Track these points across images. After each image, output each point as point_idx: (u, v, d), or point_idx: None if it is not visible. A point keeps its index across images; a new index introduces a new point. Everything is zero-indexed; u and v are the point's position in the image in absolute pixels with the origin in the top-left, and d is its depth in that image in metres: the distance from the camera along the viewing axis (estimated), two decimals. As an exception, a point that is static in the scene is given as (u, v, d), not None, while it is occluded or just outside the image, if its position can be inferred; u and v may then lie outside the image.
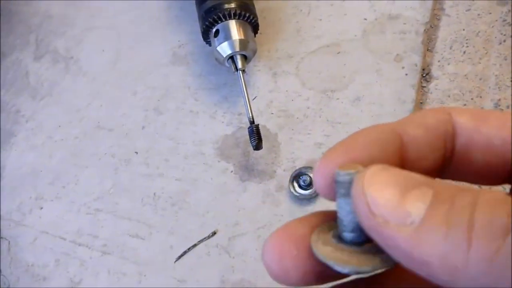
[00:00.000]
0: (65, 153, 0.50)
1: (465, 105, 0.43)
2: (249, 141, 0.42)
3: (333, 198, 0.18)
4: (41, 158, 0.51)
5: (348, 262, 0.17)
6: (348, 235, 0.18)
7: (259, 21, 0.46)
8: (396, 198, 0.16)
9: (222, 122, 0.47)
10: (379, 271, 0.17)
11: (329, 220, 0.19)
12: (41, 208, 0.49)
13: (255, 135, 0.41)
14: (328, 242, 0.18)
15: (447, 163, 0.20)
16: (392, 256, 0.16)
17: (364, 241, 0.18)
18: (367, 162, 0.17)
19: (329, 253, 0.18)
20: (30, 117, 0.53)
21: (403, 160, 0.19)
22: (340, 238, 0.18)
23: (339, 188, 0.18)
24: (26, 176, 0.50)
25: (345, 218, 0.18)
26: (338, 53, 0.47)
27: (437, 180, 0.17)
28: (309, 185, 0.41)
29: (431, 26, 0.47)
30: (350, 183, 0.17)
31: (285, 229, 0.19)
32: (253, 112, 0.42)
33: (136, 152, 0.48)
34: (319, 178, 0.18)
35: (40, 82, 0.54)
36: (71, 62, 0.54)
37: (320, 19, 0.49)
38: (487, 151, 0.18)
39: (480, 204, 0.14)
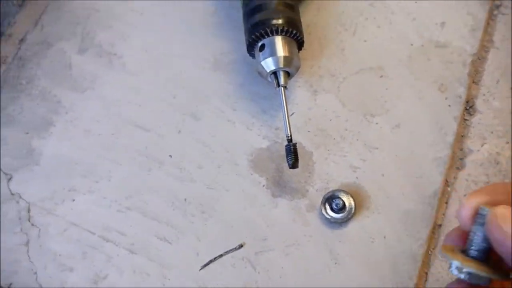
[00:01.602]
0: (101, 148, 0.51)
1: (507, 143, 0.42)
2: (285, 159, 0.42)
3: (467, 225, 0.27)
4: (77, 150, 0.52)
5: (467, 264, 0.25)
6: (473, 253, 0.26)
7: (304, 36, 0.46)
8: None
9: (258, 135, 0.47)
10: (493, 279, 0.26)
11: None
12: (73, 200, 0.50)
13: (292, 154, 0.41)
14: (456, 251, 0.27)
15: None
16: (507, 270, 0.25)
17: (483, 261, 0.26)
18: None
19: (454, 255, 0.26)
20: (70, 108, 0.54)
21: None
22: (465, 254, 0.26)
23: (479, 218, 0.26)
24: (61, 166, 0.51)
25: (476, 240, 0.26)
26: (381, 76, 0.47)
27: None
28: (341, 209, 0.41)
29: (478, 58, 0.46)
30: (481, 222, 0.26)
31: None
32: (291, 129, 0.42)
33: (170, 156, 0.48)
34: (465, 210, 0.27)
35: (83, 75, 0.55)
36: (115, 58, 0.55)
37: (365, 40, 0.48)
38: None
39: None
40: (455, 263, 0.25)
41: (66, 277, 0.46)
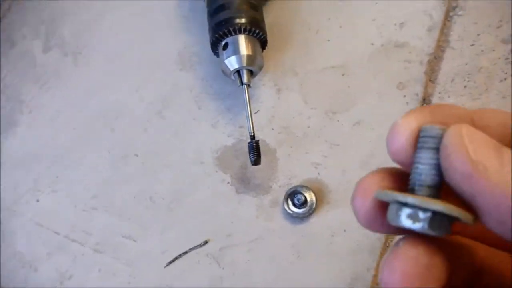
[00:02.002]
0: (65, 147, 0.51)
1: (461, 139, 0.44)
2: (248, 156, 0.43)
3: (406, 154, 0.19)
4: (41, 149, 0.51)
5: (433, 203, 0.17)
6: (423, 190, 0.18)
7: (268, 35, 0.46)
8: (493, 151, 0.17)
9: (223, 132, 0.48)
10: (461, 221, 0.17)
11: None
12: (37, 200, 0.49)
13: (255, 151, 0.42)
14: (399, 193, 0.18)
15: None
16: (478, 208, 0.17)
17: (437, 198, 0.18)
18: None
19: (411, 196, 0.17)
20: (34, 106, 0.53)
21: None
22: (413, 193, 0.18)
23: (426, 142, 0.18)
24: (25, 165, 0.51)
25: (425, 172, 0.18)
26: (343, 75, 0.48)
27: None
28: (303, 204, 0.42)
29: (435, 57, 0.48)
30: (440, 138, 0.18)
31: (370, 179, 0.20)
32: (254, 127, 0.43)
33: (136, 155, 0.49)
34: (403, 131, 0.19)
35: (47, 73, 0.55)
36: (79, 56, 0.54)
37: (328, 40, 0.50)
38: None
39: None
40: (414, 201, 0.17)
41: (30, 277, 0.46)
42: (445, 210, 0.17)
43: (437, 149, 0.18)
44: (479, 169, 0.17)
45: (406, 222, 0.17)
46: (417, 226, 0.17)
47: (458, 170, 0.17)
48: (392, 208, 0.18)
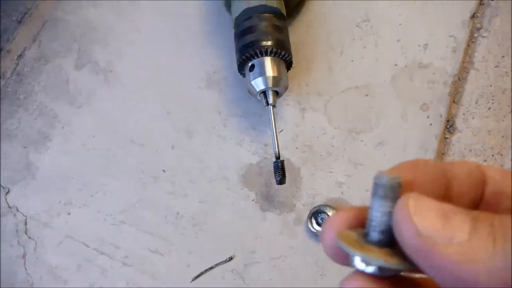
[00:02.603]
0: (96, 163, 0.53)
1: (485, 161, 0.44)
2: (273, 175, 0.44)
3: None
4: (73, 165, 0.53)
5: (376, 257, 0.18)
6: (376, 236, 0.19)
7: (293, 55, 0.48)
8: (441, 221, 0.18)
9: (248, 150, 0.49)
10: (403, 273, 0.19)
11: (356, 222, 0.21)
12: (69, 213, 0.51)
13: (280, 171, 0.43)
14: (356, 239, 0.19)
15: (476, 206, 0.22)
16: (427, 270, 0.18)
17: (389, 246, 0.19)
18: (415, 185, 0.20)
19: (357, 247, 0.19)
20: (66, 123, 0.56)
21: (447, 193, 0.21)
22: (366, 238, 0.19)
23: (378, 189, 0.19)
24: (57, 180, 0.53)
25: (377, 219, 0.19)
26: (367, 95, 0.49)
27: (470, 210, 0.19)
28: (326, 223, 0.43)
29: (459, 78, 0.48)
30: (392, 187, 0.19)
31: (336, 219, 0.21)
32: (279, 146, 0.44)
33: (164, 170, 0.50)
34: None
35: (79, 91, 0.57)
36: (110, 74, 0.57)
37: (352, 60, 0.51)
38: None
39: None
40: (360, 256, 0.19)
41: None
42: (385, 264, 0.18)
43: (386, 197, 0.19)
44: (427, 244, 0.17)
45: (360, 265, 0.19)
46: (369, 270, 0.19)
47: (409, 244, 0.18)
48: (350, 255, 0.20)
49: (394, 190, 0.19)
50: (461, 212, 0.18)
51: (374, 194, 0.19)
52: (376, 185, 0.19)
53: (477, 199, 0.22)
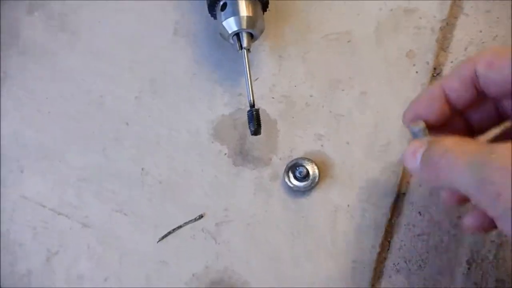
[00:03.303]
0: (53, 115, 0.47)
1: (473, 111, 0.41)
2: (248, 125, 0.40)
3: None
4: (26, 123, 0.48)
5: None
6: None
7: (269, -2, 0.43)
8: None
9: (221, 100, 0.45)
10: None
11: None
12: (22, 171, 0.46)
13: (255, 120, 0.39)
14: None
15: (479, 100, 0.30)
16: None
17: None
18: (429, 113, 0.30)
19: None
20: (15, 77, 0.50)
21: (447, 102, 0.30)
22: None
23: (414, 135, 0.30)
24: (9, 137, 0.48)
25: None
26: (349, 41, 0.45)
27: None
28: (305, 177, 0.40)
29: (447, 24, 0.45)
30: (414, 133, 0.30)
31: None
32: (254, 94, 0.40)
33: (127, 123, 0.46)
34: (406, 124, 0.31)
35: (32, 41, 0.51)
36: (65, 26, 0.50)
37: (333, 4, 0.46)
38: (500, 85, 0.27)
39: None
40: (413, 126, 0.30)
41: (15, 254, 0.44)
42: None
43: (421, 136, 0.30)
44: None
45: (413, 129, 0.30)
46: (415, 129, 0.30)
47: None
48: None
49: (424, 131, 0.29)
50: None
51: (413, 137, 0.30)
52: (412, 133, 0.30)
53: (473, 94, 0.29)
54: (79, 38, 0.49)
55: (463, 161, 0.24)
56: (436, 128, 0.30)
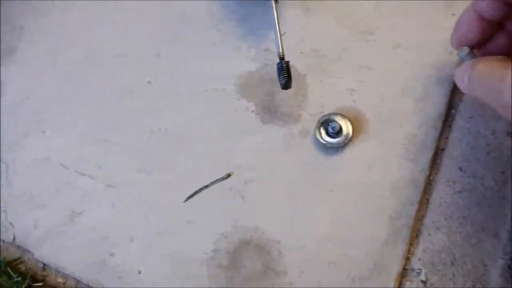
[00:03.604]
0: (71, 76, 0.46)
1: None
2: (277, 79, 0.38)
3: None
4: (44, 81, 0.46)
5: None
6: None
7: None
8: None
9: (246, 57, 0.43)
10: None
11: None
12: (43, 132, 0.45)
13: (285, 73, 0.37)
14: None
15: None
16: None
17: None
18: (471, 37, 0.33)
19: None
20: (34, 34, 0.48)
21: (484, 21, 0.32)
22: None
23: (462, 59, 0.33)
24: (28, 97, 0.47)
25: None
26: (381, -8, 0.42)
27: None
28: (337, 133, 0.38)
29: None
30: (462, 58, 0.33)
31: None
32: (283, 46, 0.38)
33: (149, 82, 0.44)
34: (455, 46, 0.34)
35: (47, -4, 0.49)
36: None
37: (365, -48, 0.43)
38: None
39: None
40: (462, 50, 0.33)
41: (37, 215, 0.43)
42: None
43: (469, 58, 0.33)
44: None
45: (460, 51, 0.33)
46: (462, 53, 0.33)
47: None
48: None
49: (469, 55, 0.32)
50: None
51: (462, 60, 0.33)
52: (460, 57, 0.33)
53: (504, 7, 0.31)
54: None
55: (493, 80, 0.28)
56: (484, 44, 0.34)
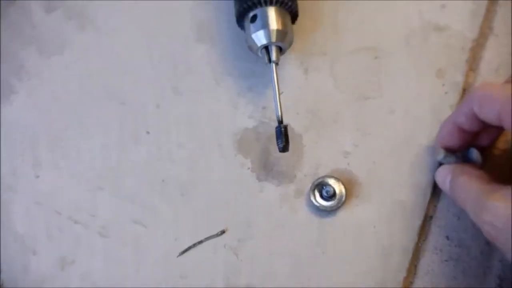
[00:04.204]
0: (69, 120, 0.46)
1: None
2: (274, 141, 0.39)
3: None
4: (42, 121, 0.47)
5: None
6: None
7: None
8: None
9: (244, 113, 0.44)
10: None
11: None
12: (38, 176, 0.45)
13: (283, 137, 0.38)
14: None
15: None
16: None
17: None
18: (453, 144, 0.36)
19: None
20: (34, 74, 0.49)
21: (463, 131, 0.35)
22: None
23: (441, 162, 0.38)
24: (24, 138, 0.47)
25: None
26: (376, 58, 0.44)
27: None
28: (331, 197, 0.39)
29: (478, 44, 0.44)
30: (439, 161, 0.37)
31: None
32: (283, 110, 0.39)
33: (148, 132, 0.45)
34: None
35: (50, 38, 0.50)
36: (86, 20, 0.49)
37: (362, 19, 0.45)
38: (495, 120, 0.32)
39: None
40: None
41: (29, 260, 0.43)
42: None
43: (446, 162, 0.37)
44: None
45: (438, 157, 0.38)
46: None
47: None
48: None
49: (446, 158, 0.37)
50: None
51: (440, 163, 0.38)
52: (438, 161, 0.38)
53: (481, 123, 0.34)
54: (97, 33, 0.48)
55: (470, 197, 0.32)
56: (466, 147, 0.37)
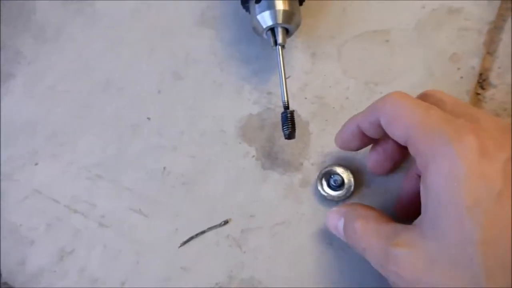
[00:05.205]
0: (68, 108, 0.45)
1: (520, 121, 0.39)
2: (279, 127, 0.37)
3: None
4: (39, 109, 0.45)
5: None
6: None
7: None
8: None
9: (248, 99, 0.42)
10: None
11: None
12: (36, 164, 0.44)
13: (289, 123, 0.36)
14: None
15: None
16: None
17: None
18: (353, 144, 0.35)
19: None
20: (32, 60, 0.47)
21: (365, 135, 0.33)
22: None
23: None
24: (22, 126, 0.45)
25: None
26: (387, 41, 0.42)
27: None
28: (339, 186, 0.37)
29: (495, 26, 0.42)
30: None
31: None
32: (289, 95, 0.37)
33: (148, 118, 0.43)
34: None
35: (48, 23, 0.48)
36: (85, 4, 0.48)
37: (372, 1, 0.43)
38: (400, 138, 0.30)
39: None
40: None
41: (26, 251, 0.41)
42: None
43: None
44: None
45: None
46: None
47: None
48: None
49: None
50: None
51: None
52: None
53: (383, 133, 0.31)
54: (96, 17, 0.46)
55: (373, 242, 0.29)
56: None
